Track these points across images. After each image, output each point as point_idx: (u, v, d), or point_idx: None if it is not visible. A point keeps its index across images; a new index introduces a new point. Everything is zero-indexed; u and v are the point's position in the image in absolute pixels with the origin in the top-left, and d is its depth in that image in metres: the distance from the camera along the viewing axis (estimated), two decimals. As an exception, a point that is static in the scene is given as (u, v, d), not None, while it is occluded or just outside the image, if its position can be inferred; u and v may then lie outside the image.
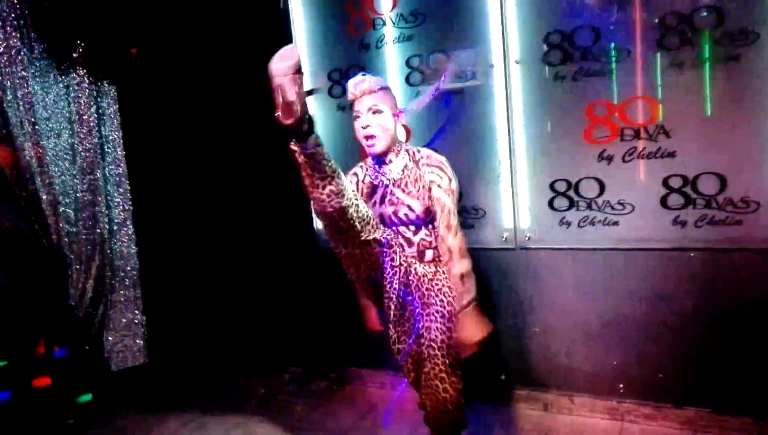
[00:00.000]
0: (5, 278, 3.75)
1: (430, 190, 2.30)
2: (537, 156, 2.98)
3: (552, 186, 2.97)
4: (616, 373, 2.98)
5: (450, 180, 2.31)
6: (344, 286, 3.71)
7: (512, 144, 3.01)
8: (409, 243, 2.38)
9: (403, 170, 2.37)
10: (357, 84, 2.30)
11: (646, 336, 2.89)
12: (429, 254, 2.38)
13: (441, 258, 2.35)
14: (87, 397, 3.78)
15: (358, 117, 2.31)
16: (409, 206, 2.33)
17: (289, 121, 1.84)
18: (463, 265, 2.27)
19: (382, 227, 2.30)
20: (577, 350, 3.06)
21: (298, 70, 1.84)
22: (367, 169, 2.49)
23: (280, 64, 1.83)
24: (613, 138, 2.80)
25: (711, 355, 2.78)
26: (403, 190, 2.35)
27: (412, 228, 2.38)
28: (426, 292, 2.36)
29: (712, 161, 2.64)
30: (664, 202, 2.75)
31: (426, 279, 2.37)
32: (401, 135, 2.45)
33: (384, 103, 2.31)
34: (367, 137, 2.30)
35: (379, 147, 2.33)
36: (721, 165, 2.63)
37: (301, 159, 1.95)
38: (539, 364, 3.15)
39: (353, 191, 2.12)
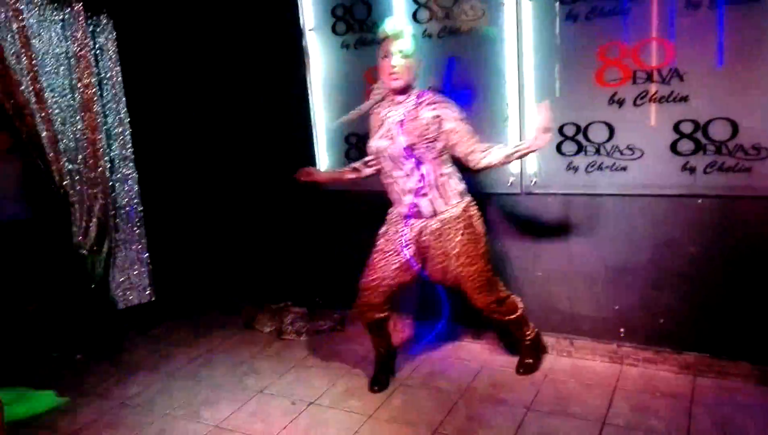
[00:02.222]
0: (31, 212, 3.75)
1: (439, 125, 2.58)
2: (546, 98, 2.89)
3: (560, 130, 2.90)
4: (617, 317, 3.01)
5: (458, 110, 2.61)
6: (348, 227, 3.69)
7: (521, 86, 2.94)
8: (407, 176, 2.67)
9: (405, 112, 2.62)
10: (392, 26, 2.54)
11: (649, 282, 2.90)
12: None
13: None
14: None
15: (388, 57, 2.55)
16: (398, 142, 2.61)
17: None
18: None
19: None
20: (579, 295, 3.08)
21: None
22: (387, 107, 2.72)
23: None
24: (625, 81, 2.73)
25: (712, 302, 2.79)
26: (401, 127, 2.61)
27: (408, 165, 2.64)
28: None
29: (725, 106, 2.58)
30: (674, 147, 2.70)
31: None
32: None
33: (410, 47, 2.56)
34: (393, 74, 2.57)
35: (399, 84, 2.59)
36: (734, 110, 2.57)
37: None
38: (541, 308, 3.17)
39: None
